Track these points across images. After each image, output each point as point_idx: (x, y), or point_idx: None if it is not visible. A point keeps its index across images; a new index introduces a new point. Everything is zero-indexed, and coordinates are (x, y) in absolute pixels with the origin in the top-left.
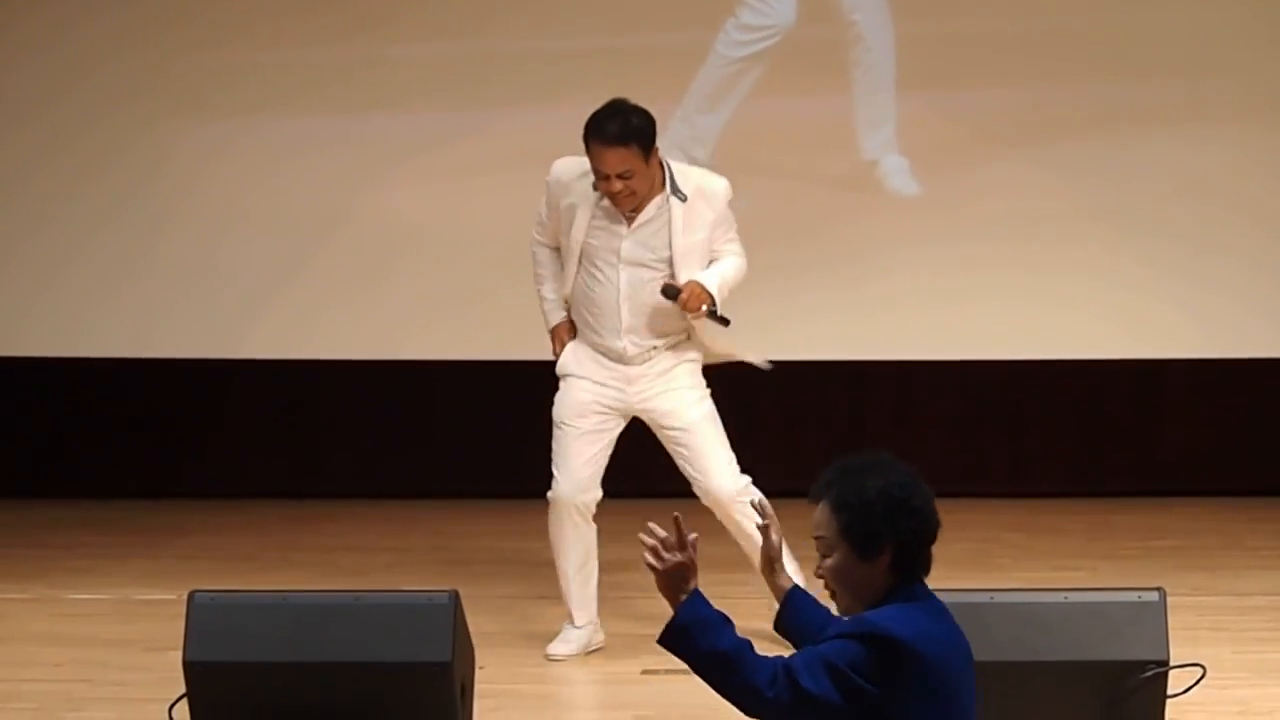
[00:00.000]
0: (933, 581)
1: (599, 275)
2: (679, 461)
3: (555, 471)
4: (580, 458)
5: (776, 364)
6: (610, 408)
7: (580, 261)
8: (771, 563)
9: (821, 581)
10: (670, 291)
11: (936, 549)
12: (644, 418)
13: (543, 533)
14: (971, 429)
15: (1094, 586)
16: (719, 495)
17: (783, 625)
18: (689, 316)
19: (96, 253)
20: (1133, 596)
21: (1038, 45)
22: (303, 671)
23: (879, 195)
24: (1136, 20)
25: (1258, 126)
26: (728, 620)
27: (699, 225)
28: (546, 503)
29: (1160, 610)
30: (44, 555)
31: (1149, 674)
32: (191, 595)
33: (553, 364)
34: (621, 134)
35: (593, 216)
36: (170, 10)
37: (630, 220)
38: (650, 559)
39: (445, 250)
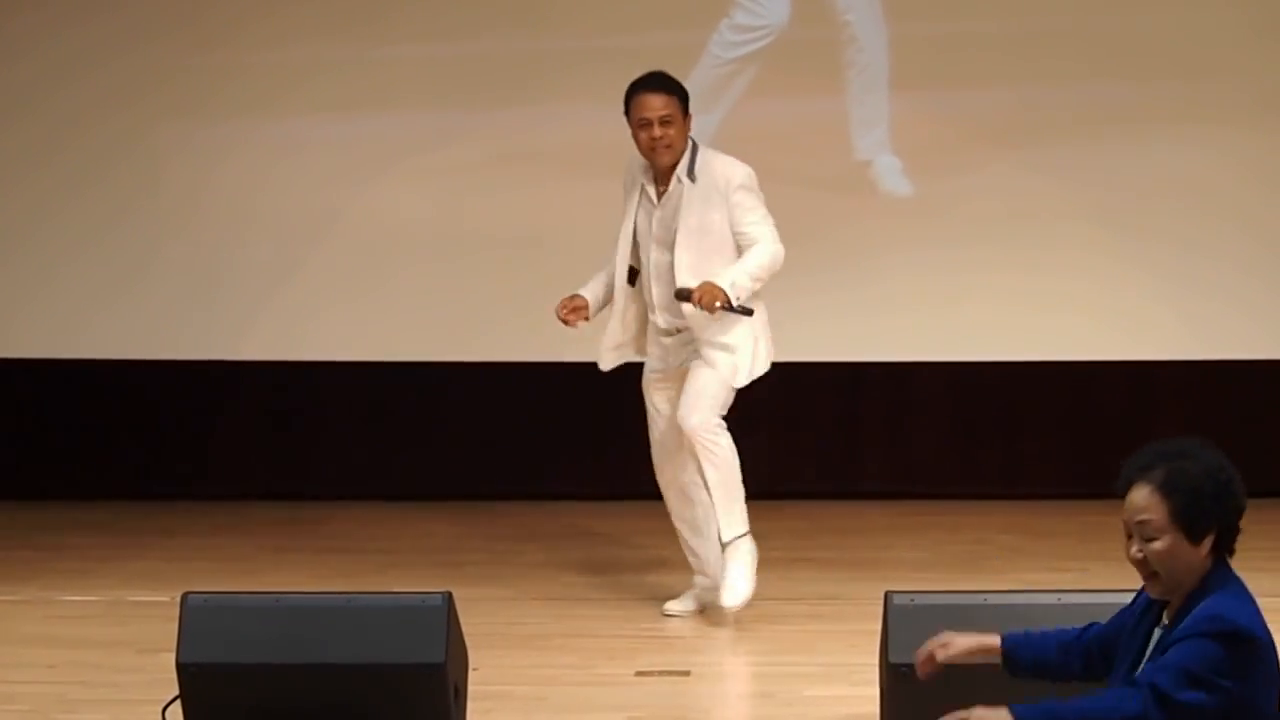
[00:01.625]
0: (926, 582)
1: (639, 254)
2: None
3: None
4: (663, 427)
5: (773, 365)
6: (663, 374)
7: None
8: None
9: (1138, 565)
10: (683, 294)
11: (930, 550)
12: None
13: (537, 536)
14: (965, 430)
15: (1086, 588)
16: (681, 425)
17: (1016, 668)
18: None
19: (92, 255)
20: (1124, 598)
21: (1030, 46)
22: (296, 673)
23: (872, 196)
24: (1129, 21)
25: (1250, 128)
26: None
27: (707, 208)
28: (540, 504)
29: None
30: (36, 557)
31: None
32: (185, 597)
33: (551, 366)
34: (665, 83)
35: (640, 197)
36: (168, 12)
37: (660, 196)
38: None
39: (442, 251)
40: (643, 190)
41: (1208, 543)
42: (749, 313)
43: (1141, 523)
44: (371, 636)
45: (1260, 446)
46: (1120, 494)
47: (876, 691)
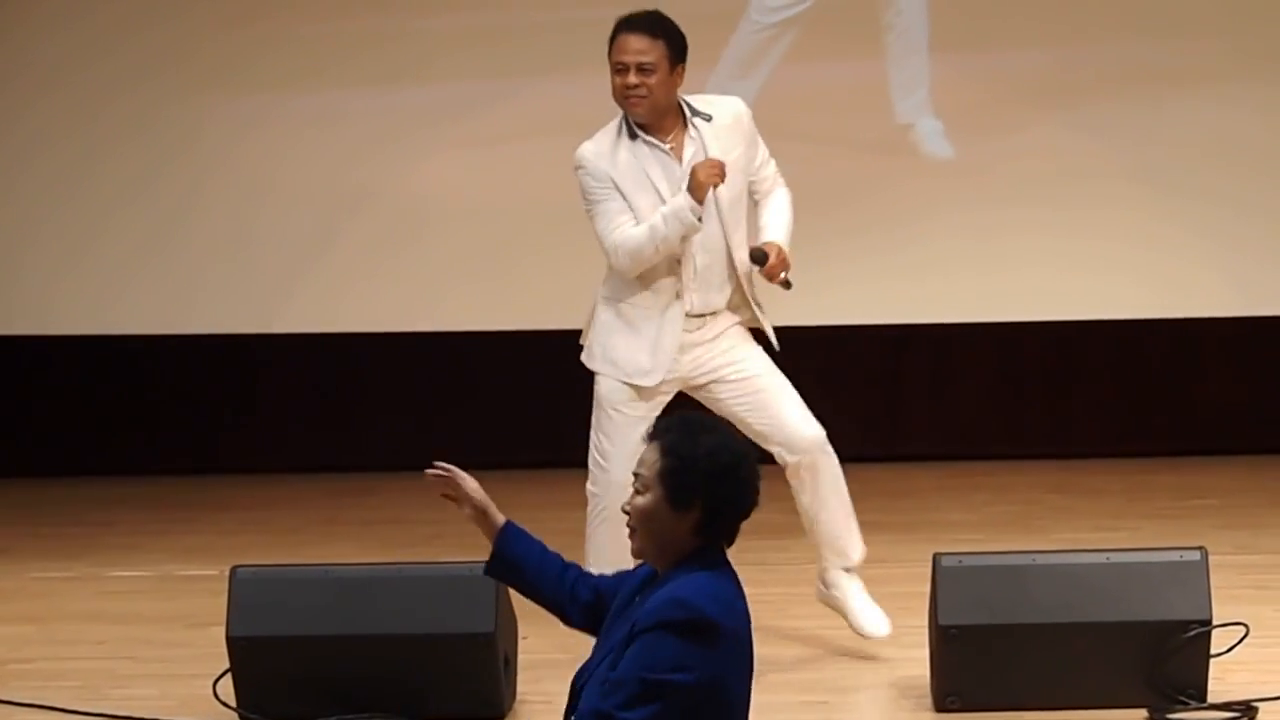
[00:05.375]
0: (974, 544)
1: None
2: (744, 418)
3: (601, 461)
4: (631, 445)
5: (814, 329)
6: (668, 381)
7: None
8: (482, 508)
9: (627, 516)
10: (758, 255)
11: (978, 512)
12: (700, 385)
13: (582, 501)
14: (1010, 391)
15: (1136, 547)
16: (805, 442)
17: (499, 559)
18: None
19: (127, 229)
20: (1174, 556)
21: (1072, 5)
22: (345, 644)
23: (914, 159)
24: None
25: None
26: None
27: (731, 144)
28: (584, 472)
29: (1202, 569)
30: (85, 533)
31: (1192, 634)
32: (234, 570)
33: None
34: (652, 23)
35: (651, 159)
36: None
37: (679, 158)
38: (457, 495)
39: (478, 219)
40: (651, 149)
41: (692, 518)
42: (789, 285)
43: (636, 476)
44: (421, 607)
45: None
46: (647, 442)
47: (926, 654)
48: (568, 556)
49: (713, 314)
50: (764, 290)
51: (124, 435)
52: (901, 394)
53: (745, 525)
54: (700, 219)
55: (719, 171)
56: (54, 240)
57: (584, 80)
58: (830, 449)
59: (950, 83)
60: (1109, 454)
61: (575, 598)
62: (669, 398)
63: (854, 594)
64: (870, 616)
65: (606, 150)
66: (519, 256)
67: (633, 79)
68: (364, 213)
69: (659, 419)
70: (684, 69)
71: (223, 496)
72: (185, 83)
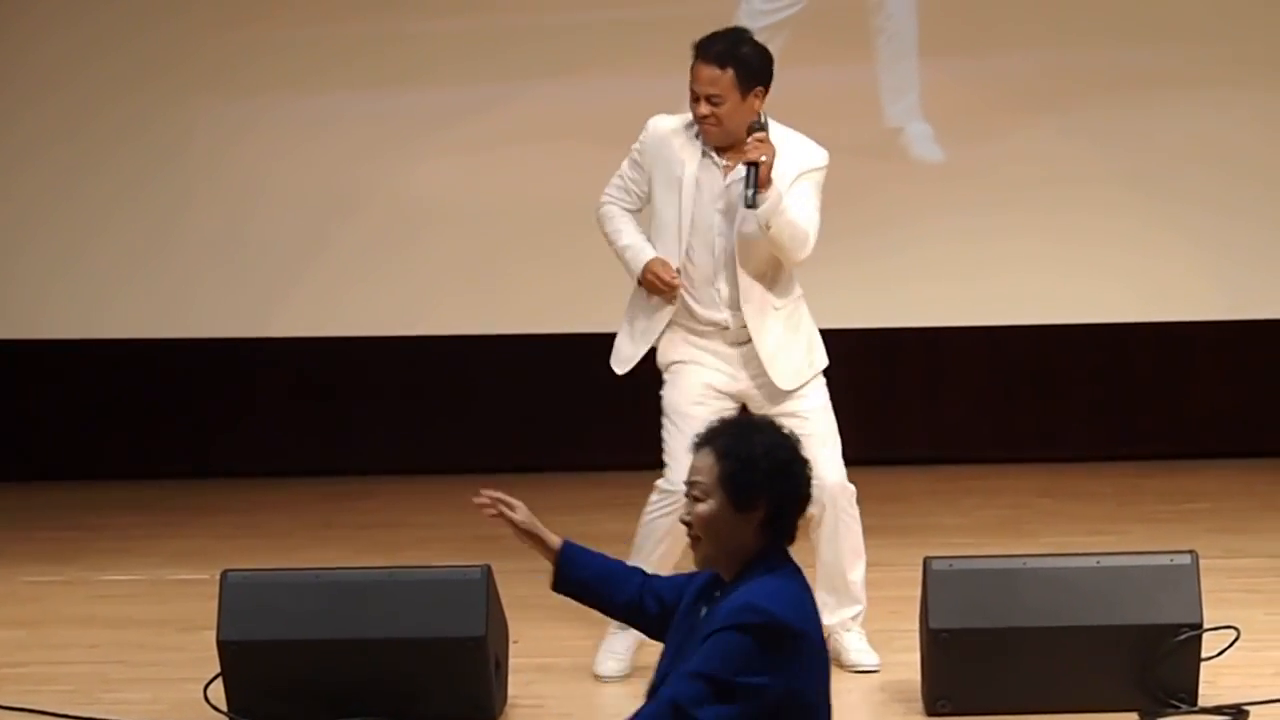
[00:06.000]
0: (964, 548)
1: (696, 239)
2: None
3: (670, 462)
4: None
5: None
6: (724, 392)
7: (681, 226)
8: (533, 533)
9: (686, 528)
10: (756, 126)
11: (968, 515)
12: (754, 403)
13: (575, 507)
14: (1001, 395)
15: (1126, 550)
16: (828, 485)
17: (565, 582)
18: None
19: (120, 232)
20: (1165, 560)
21: (1061, 10)
22: (337, 648)
23: (903, 163)
24: None
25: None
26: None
27: (781, 173)
28: (578, 475)
29: (1193, 573)
30: (77, 537)
31: (1183, 637)
32: (224, 574)
33: (586, 337)
34: (722, 54)
35: (699, 170)
36: None
37: (725, 176)
38: (507, 516)
39: (473, 223)
40: (705, 156)
41: (756, 518)
42: (752, 204)
43: (693, 483)
44: (412, 610)
45: None
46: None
47: (917, 658)
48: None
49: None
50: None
51: (116, 439)
52: (892, 398)
53: None
54: (640, 282)
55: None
56: (48, 244)
57: (581, 84)
58: (848, 500)
59: (940, 87)
60: (1099, 458)
61: (644, 611)
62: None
63: (850, 642)
64: (858, 651)
65: (670, 133)
66: (514, 261)
67: (704, 109)
68: (359, 216)
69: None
70: (764, 90)
71: (215, 500)
72: (179, 86)
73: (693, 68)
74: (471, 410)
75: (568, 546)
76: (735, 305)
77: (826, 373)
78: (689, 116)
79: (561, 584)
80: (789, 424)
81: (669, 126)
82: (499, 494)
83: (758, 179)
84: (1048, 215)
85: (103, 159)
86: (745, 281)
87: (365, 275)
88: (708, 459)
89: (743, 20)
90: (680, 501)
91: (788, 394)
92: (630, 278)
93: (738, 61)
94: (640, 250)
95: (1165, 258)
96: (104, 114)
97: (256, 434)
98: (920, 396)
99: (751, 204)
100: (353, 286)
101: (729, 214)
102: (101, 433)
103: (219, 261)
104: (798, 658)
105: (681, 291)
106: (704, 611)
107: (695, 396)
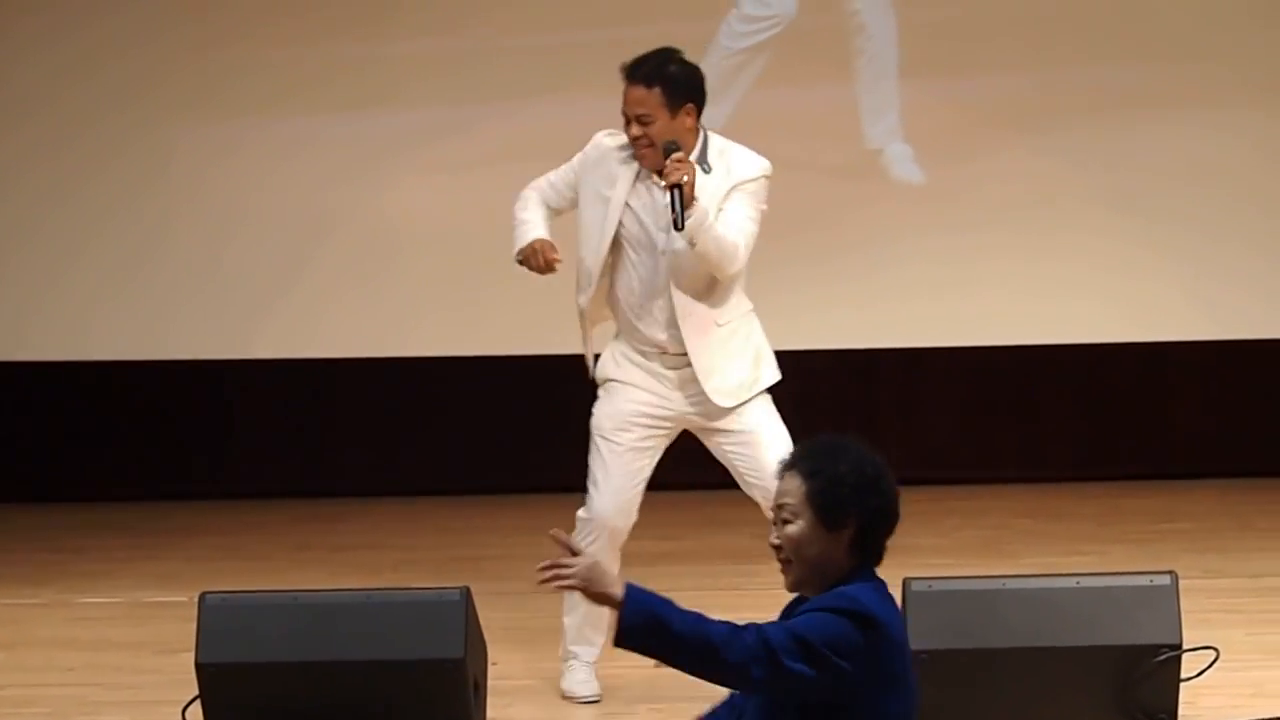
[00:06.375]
0: (944, 568)
1: (633, 257)
2: (734, 465)
3: (591, 489)
4: (621, 476)
5: (783, 354)
6: (656, 417)
7: (617, 243)
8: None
9: (775, 552)
10: (671, 148)
11: (948, 537)
12: (693, 425)
13: (553, 527)
14: (981, 415)
15: (1106, 571)
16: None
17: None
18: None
19: (100, 254)
20: (1144, 580)
21: (1041, 30)
22: (315, 671)
23: (884, 184)
24: (1140, 3)
25: (1259, 111)
26: (669, 601)
27: (720, 191)
28: (555, 497)
29: (1172, 593)
30: (55, 560)
31: (1162, 658)
32: (202, 597)
33: (561, 359)
34: (649, 73)
35: (632, 188)
36: (173, 10)
37: (666, 192)
38: (567, 582)
39: (450, 245)
40: (639, 176)
41: (846, 536)
42: (679, 223)
43: (780, 506)
44: (390, 633)
45: (1275, 425)
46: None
47: None
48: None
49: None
50: None
51: (95, 461)
52: (871, 419)
53: (717, 550)
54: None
55: None
56: (27, 266)
57: (559, 105)
58: None
59: (920, 107)
60: (1079, 478)
61: None
62: (666, 436)
63: None
64: None
65: (612, 151)
66: (492, 282)
67: (635, 131)
68: (337, 238)
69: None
70: (695, 107)
71: (193, 522)
72: (159, 109)
73: (624, 90)
74: (448, 431)
75: (631, 592)
76: (675, 325)
77: (807, 391)
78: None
79: (623, 641)
80: (729, 445)
81: (613, 144)
82: (562, 550)
83: (683, 200)
84: (1028, 236)
85: (80, 182)
86: (682, 300)
87: (343, 297)
88: (794, 481)
89: (723, 42)
90: (603, 532)
91: (726, 412)
92: (512, 249)
93: (665, 79)
94: (534, 227)
95: (1145, 277)
96: (83, 137)
97: (235, 456)
98: (899, 417)
99: (679, 226)
100: (331, 308)
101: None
102: (79, 455)
103: (197, 284)
104: (880, 656)
105: (624, 309)
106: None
107: (621, 421)
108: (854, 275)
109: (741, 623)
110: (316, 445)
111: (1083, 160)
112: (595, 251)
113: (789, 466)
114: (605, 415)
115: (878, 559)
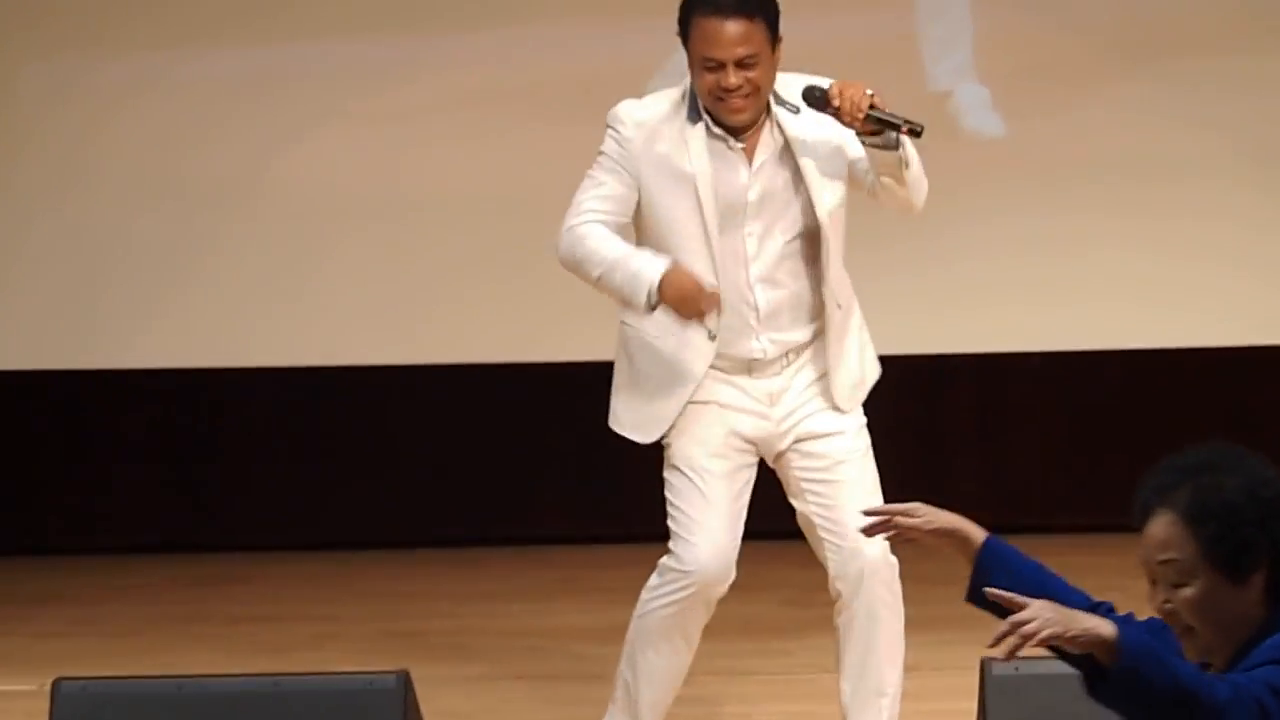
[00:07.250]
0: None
1: (704, 243)
2: (810, 507)
3: (685, 536)
4: (722, 514)
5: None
6: (750, 440)
7: (709, 233)
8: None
9: (1169, 619)
10: (814, 94)
11: None
12: (772, 442)
13: (521, 592)
14: (1077, 441)
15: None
16: (866, 557)
17: (987, 584)
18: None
19: None
20: None
21: None
22: None
23: (953, 137)
24: None
25: None
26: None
27: (826, 134)
28: (516, 551)
29: None
30: None
31: None
32: (56, 684)
33: (534, 369)
34: (743, 1)
35: (712, 162)
36: None
37: (750, 159)
38: (1039, 637)
39: (387, 222)
40: (708, 141)
41: (1258, 582)
42: (917, 133)
43: (1165, 563)
44: None
45: None
46: (1137, 526)
47: None
48: (506, 666)
49: (798, 347)
50: None
51: None
52: (942, 447)
53: (733, 622)
54: (653, 308)
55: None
56: None
57: (526, 35)
58: (889, 578)
59: (998, 39)
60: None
61: None
62: (755, 461)
63: None
64: None
65: (653, 126)
66: (442, 267)
67: (733, 80)
68: (236, 215)
69: (1143, 483)
70: (781, 38)
71: (48, 586)
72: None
73: (703, 28)
74: (385, 465)
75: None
76: (775, 324)
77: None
78: (669, 97)
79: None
80: (817, 469)
81: (653, 114)
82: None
83: (888, 114)
84: (1148, 198)
85: None
86: (775, 299)
87: (247, 290)
88: (1173, 528)
89: None
90: (692, 587)
91: (826, 426)
92: (628, 305)
93: (766, 7)
94: (645, 259)
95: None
96: None
97: (97, 497)
98: (977, 443)
99: (918, 133)
100: (230, 306)
101: (766, 204)
102: None
103: (53, 278)
104: None
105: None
106: None
107: (716, 447)
108: (917, 262)
109: None
110: (209, 484)
111: (1215, 98)
112: (705, 246)
113: (1155, 505)
114: (692, 443)
115: None
